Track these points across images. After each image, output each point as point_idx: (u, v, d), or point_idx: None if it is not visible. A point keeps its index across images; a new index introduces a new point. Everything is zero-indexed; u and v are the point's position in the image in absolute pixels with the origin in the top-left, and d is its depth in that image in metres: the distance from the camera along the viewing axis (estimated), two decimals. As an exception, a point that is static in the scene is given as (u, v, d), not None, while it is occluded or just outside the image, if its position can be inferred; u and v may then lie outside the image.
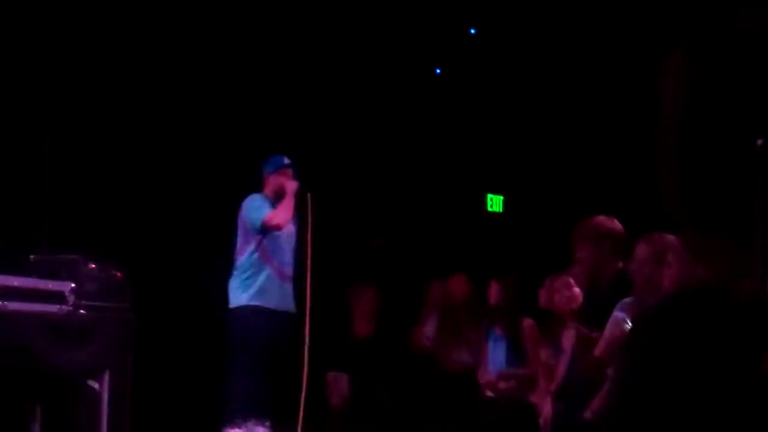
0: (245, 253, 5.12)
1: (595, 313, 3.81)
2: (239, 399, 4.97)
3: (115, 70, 6.26)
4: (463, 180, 7.85)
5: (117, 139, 6.37)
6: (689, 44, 0.77)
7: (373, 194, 7.48)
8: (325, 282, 5.57)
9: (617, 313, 3.54)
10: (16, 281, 3.69)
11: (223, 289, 5.16)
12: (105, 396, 3.77)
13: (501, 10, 7.31)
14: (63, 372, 3.75)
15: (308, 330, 4.88)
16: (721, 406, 0.64)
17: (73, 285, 3.87)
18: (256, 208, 5.10)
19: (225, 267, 5.20)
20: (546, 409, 3.95)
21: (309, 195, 5.09)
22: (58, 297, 3.78)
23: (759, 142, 0.68)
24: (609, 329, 3.59)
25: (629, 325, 3.44)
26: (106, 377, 3.83)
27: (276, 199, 5.14)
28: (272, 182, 5.21)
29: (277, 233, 5.09)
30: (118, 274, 4.98)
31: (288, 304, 5.04)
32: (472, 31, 7.66)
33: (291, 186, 5.11)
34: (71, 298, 3.80)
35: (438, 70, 7.86)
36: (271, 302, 5.04)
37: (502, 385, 5.20)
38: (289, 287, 5.12)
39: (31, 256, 4.59)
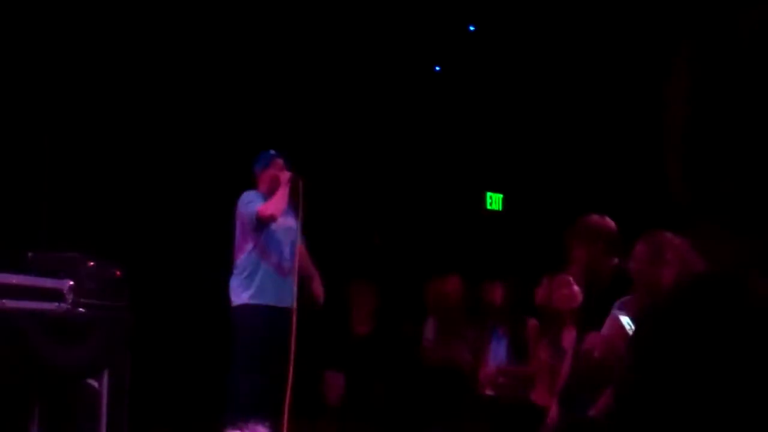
0: (244, 252, 5.13)
1: (594, 312, 3.81)
2: (240, 399, 4.97)
3: (113, 70, 6.26)
4: (462, 178, 7.85)
5: (116, 138, 6.36)
6: (694, 41, 0.77)
7: (372, 192, 7.48)
8: (325, 279, 5.56)
9: (616, 312, 3.53)
10: (14, 279, 3.68)
11: (222, 288, 5.16)
12: (104, 394, 3.77)
13: (500, 8, 7.30)
14: (61, 370, 3.74)
15: (295, 324, 4.81)
16: (734, 404, 0.62)
17: (71, 283, 3.86)
18: (248, 203, 5.10)
19: (225, 265, 5.20)
20: (552, 409, 3.94)
21: (301, 183, 5.07)
22: (56, 295, 3.78)
23: None
24: (607, 328, 3.58)
25: (627, 323, 3.43)
26: (105, 375, 3.83)
27: (271, 193, 5.13)
28: (266, 178, 5.20)
29: (273, 228, 5.08)
30: (117, 272, 4.98)
31: (288, 300, 5.02)
32: (472, 28, 7.65)
33: (283, 176, 5.09)
34: (70, 296, 3.79)
35: (437, 68, 7.85)
36: (271, 299, 5.04)
37: (500, 379, 5.20)
38: (289, 282, 5.10)
39: (30, 254, 4.58)
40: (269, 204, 5.04)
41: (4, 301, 3.52)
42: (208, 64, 6.64)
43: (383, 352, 6.27)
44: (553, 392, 4.19)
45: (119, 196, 6.37)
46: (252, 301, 5.03)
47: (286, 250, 5.14)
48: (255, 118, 6.63)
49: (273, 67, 6.85)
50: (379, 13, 7.00)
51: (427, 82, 7.68)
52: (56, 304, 3.73)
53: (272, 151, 5.27)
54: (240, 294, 5.08)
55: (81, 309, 3.95)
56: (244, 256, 5.12)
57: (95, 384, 3.92)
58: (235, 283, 5.12)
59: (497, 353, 5.45)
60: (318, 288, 5.25)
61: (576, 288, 4.44)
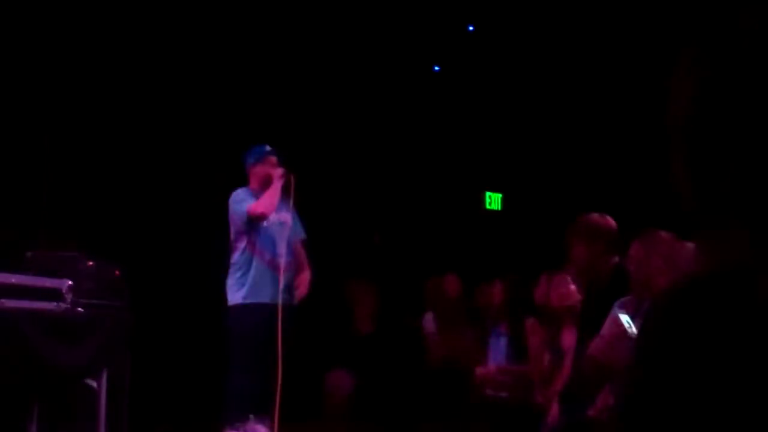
0: (237, 251, 5.11)
1: (594, 311, 3.81)
2: (238, 399, 4.96)
3: (113, 71, 6.25)
4: (461, 178, 7.85)
5: (115, 138, 6.36)
6: (699, 40, 0.77)
7: (372, 191, 7.47)
8: (325, 279, 5.55)
9: (615, 311, 3.53)
10: (13, 278, 3.67)
11: (221, 287, 5.15)
12: (103, 394, 3.76)
13: (499, 8, 7.30)
14: (60, 370, 3.74)
15: (281, 320, 4.77)
16: (741, 404, 0.62)
17: (70, 282, 3.85)
18: (238, 202, 5.06)
19: (224, 264, 5.20)
20: (553, 408, 3.94)
21: (293, 178, 5.02)
22: (55, 294, 3.77)
23: None
24: (607, 328, 3.58)
25: (627, 321, 3.43)
26: (104, 375, 3.82)
27: (263, 189, 5.08)
28: (257, 173, 5.15)
29: (266, 225, 5.05)
30: (116, 271, 4.97)
31: (282, 298, 4.96)
32: (471, 28, 7.65)
33: (276, 172, 5.04)
34: (69, 296, 3.78)
35: (436, 68, 7.85)
36: (265, 297, 5.01)
37: (500, 379, 5.20)
38: (282, 279, 5.03)
39: (28, 253, 4.58)
40: (260, 202, 4.99)
41: (2, 300, 3.51)
42: (208, 64, 6.63)
43: (387, 350, 6.29)
44: (554, 391, 4.19)
45: (118, 196, 6.36)
46: (246, 301, 5.01)
47: (281, 247, 5.08)
48: (255, 117, 6.62)
49: (273, 67, 6.85)
50: (379, 13, 7.00)
51: (426, 82, 7.68)
52: (55, 303, 3.72)
53: (266, 147, 5.20)
54: (235, 293, 5.07)
55: (80, 309, 3.94)
56: (238, 254, 5.10)
57: (94, 384, 3.91)
58: (230, 282, 5.10)
59: (496, 352, 5.46)
60: (303, 281, 5.12)
61: (573, 287, 4.44)
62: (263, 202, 4.99)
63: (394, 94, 7.39)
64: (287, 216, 5.17)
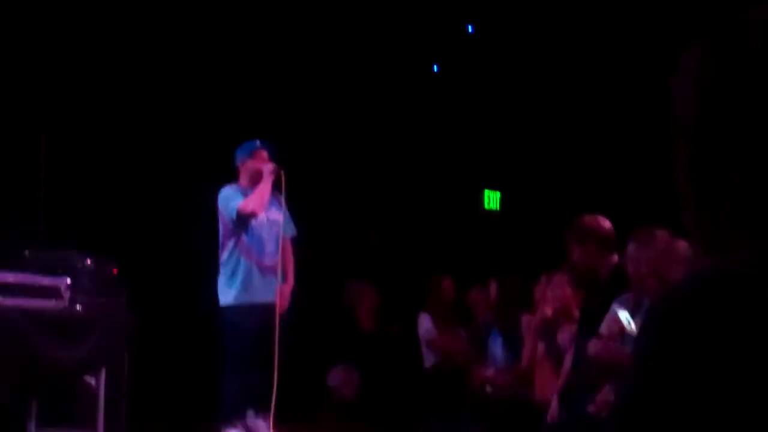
0: (226, 250, 5.02)
1: (594, 310, 3.81)
2: (231, 398, 4.95)
3: (110, 69, 6.24)
4: (460, 177, 7.85)
5: (112, 137, 6.35)
6: (701, 41, 0.77)
7: (370, 190, 7.47)
8: (322, 277, 5.55)
9: (615, 309, 3.54)
10: (11, 277, 3.67)
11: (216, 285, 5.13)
12: (101, 391, 3.76)
13: (499, 8, 7.30)
14: (59, 368, 3.73)
15: (278, 318, 4.73)
16: (743, 405, 0.61)
17: (68, 280, 3.85)
18: (227, 200, 4.96)
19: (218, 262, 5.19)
20: (552, 406, 3.95)
21: (283, 175, 4.92)
22: (53, 293, 3.77)
23: None
24: (606, 326, 3.59)
25: (626, 319, 3.43)
26: (103, 373, 3.82)
27: (252, 185, 4.97)
28: (247, 168, 5.05)
29: (254, 224, 4.97)
30: (114, 269, 4.96)
31: (271, 296, 4.91)
32: (470, 28, 7.65)
33: (266, 168, 4.92)
34: (67, 294, 3.78)
35: (436, 68, 7.85)
36: (254, 296, 4.94)
37: (499, 380, 5.21)
38: (272, 278, 4.97)
39: (27, 252, 4.58)
40: (249, 201, 4.89)
41: (1, 299, 3.51)
42: (205, 63, 6.63)
43: (388, 349, 6.31)
44: (552, 389, 4.20)
45: (116, 195, 6.36)
46: (237, 302, 4.94)
47: (270, 245, 4.99)
48: (252, 116, 6.61)
49: (272, 64, 6.84)
50: (378, 13, 7.00)
51: (425, 82, 7.68)
52: (53, 301, 3.72)
53: (257, 142, 5.11)
54: (225, 294, 5.01)
55: (78, 307, 3.94)
56: (227, 254, 5.02)
57: (93, 381, 3.91)
58: (220, 282, 5.04)
59: (494, 351, 5.47)
60: (283, 295, 4.97)
61: (569, 288, 4.45)
62: (253, 201, 4.89)
63: (393, 94, 7.39)
64: (278, 214, 5.08)
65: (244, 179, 5.07)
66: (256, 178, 4.96)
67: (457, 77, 7.66)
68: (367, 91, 7.26)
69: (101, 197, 6.25)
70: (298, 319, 5.18)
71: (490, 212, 8.20)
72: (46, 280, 3.81)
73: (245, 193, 4.98)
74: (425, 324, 6.26)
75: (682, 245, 3.22)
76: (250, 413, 4.81)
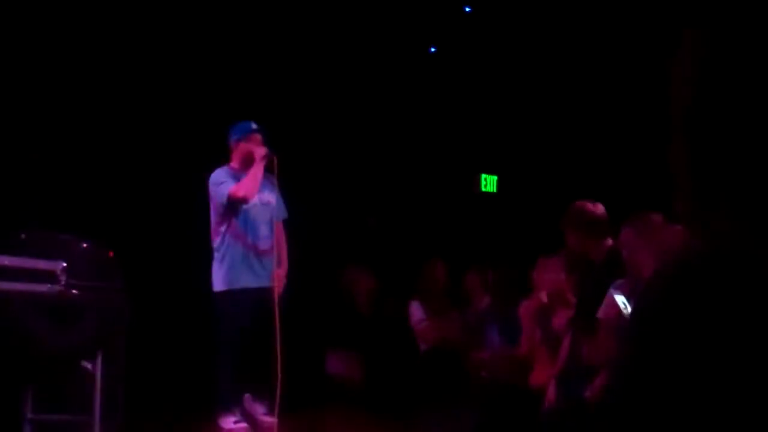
0: (219, 234, 4.99)
1: (590, 295, 3.82)
2: (228, 384, 4.94)
3: (104, 53, 6.20)
4: (457, 160, 7.83)
5: (107, 120, 6.32)
6: (700, 26, 0.76)
7: (368, 175, 7.45)
8: (320, 262, 5.54)
9: (612, 293, 3.54)
10: (6, 260, 3.66)
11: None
12: (98, 376, 3.75)
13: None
14: (55, 352, 3.73)
15: (276, 304, 4.70)
16: (734, 383, 0.61)
17: (64, 264, 3.84)
18: (218, 184, 4.90)
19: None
20: (550, 391, 3.96)
21: (276, 159, 4.87)
22: (49, 276, 3.75)
23: None
24: (603, 311, 3.59)
25: (623, 302, 3.44)
26: (99, 357, 3.81)
27: (244, 168, 4.93)
28: (240, 150, 4.99)
29: (247, 207, 4.93)
30: (110, 253, 4.95)
31: (266, 280, 4.89)
32: (467, 9, 7.60)
33: (259, 152, 4.86)
34: (63, 278, 3.77)
35: (433, 49, 7.81)
36: (248, 282, 4.92)
37: (495, 364, 5.22)
38: (267, 262, 4.93)
39: (22, 235, 4.56)
40: (241, 185, 4.84)
41: (-4, 282, 3.50)
42: (199, 46, 6.58)
43: (386, 333, 6.32)
44: (548, 375, 4.21)
45: (112, 178, 6.33)
46: (230, 287, 4.90)
47: (263, 229, 4.94)
48: (248, 100, 6.58)
49: (268, 49, 6.80)
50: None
51: (422, 64, 7.64)
52: (49, 285, 3.71)
53: (252, 125, 5.04)
54: (219, 280, 4.98)
55: (74, 290, 3.93)
56: (219, 238, 4.98)
57: (89, 366, 3.90)
58: (214, 267, 5.00)
59: (491, 337, 5.47)
60: (278, 277, 4.94)
61: (562, 273, 4.46)
62: (245, 185, 4.84)
63: (389, 76, 7.35)
64: (271, 196, 5.02)
65: (236, 161, 5.02)
66: (248, 161, 4.92)
67: (454, 59, 7.62)
68: (363, 74, 7.23)
69: (97, 180, 6.23)
70: (296, 304, 5.17)
71: (487, 196, 8.19)
72: (41, 264, 3.80)
73: (236, 176, 4.93)
74: (416, 313, 6.26)
75: (677, 230, 3.21)
76: (248, 397, 4.80)
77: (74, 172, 6.05)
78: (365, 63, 7.18)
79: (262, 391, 4.86)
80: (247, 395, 4.86)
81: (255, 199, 4.93)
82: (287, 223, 5.19)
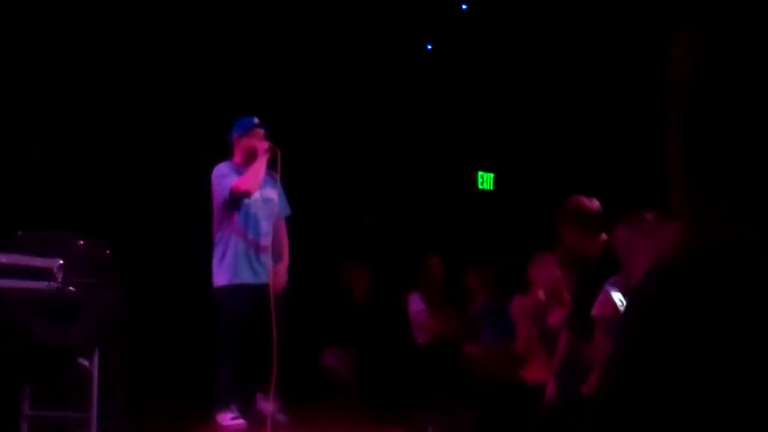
0: (219, 230, 5.00)
1: (585, 291, 3.83)
2: (227, 380, 4.94)
3: (102, 47, 6.19)
4: (453, 158, 7.83)
5: (105, 117, 6.31)
6: (697, 24, 0.76)
7: (365, 172, 7.45)
8: (318, 258, 5.54)
9: (607, 290, 3.55)
10: (3, 258, 3.65)
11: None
12: (95, 373, 3.76)
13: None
14: (52, 349, 3.73)
15: (273, 300, 4.69)
16: (728, 384, 0.61)
17: (61, 261, 3.84)
18: (221, 177, 4.91)
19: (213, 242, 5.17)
20: (548, 387, 3.97)
21: (279, 154, 4.86)
22: (46, 274, 3.75)
23: None
24: (598, 308, 3.60)
25: (619, 299, 3.44)
26: (96, 354, 3.82)
27: (247, 163, 4.93)
28: (242, 146, 4.99)
29: (249, 202, 4.92)
30: (107, 250, 4.94)
31: (266, 277, 4.87)
32: (464, 6, 7.60)
33: (261, 147, 4.86)
34: (59, 275, 3.77)
35: (429, 46, 7.81)
36: (247, 278, 4.92)
37: (489, 360, 5.23)
38: (266, 258, 4.93)
39: (19, 233, 4.55)
40: (243, 179, 4.83)
41: (-7, 280, 3.50)
42: (198, 41, 6.58)
43: (382, 329, 6.33)
44: (544, 372, 4.22)
45: (109, 175, 6.33)
46: (230, 282, 4.91)
47: (264, 225, 4.94)
48: (246, 96, 6.57)
49: (266, 46, 6.80)
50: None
51: (419, 61, 7.64)
52: (46, 282, 3.71)
53: (255, 120, 5.03)
54: (219, 275, 4.98)
55: (71, 288, 3.93)
56: (220, 233, 4.98)
57: (87, 363, 3.91)
58: (214, 262, 5.01)
59: (486, 332, 5.49)
60: (279, 274, 4.94)
61: (557, 270, 4.47)
62: (247, 180, 4.83)
63: (386, 73, 7.35)
64: (273, 192, 5.02)
65: (238, 156, 5.02)
66: (250, 156, 4.92)
67: (450, 56, 7.62)
68: (360, 71, 7.22)
69: (94, 177, 6.22)
70: (294, 300, 5.17)
71: (484, 193, 8.20)
72: (38, 261, 3.80)
73: (239, 171, 4.92)
74: (416, 305, 6.28)
75: (672, 227, 3.22)
76: (260, 396, 4.77)
77: (71, 169, 6.04)
78: (362, 60, 7.17)
79: (264, 388, 4.86)
80: (259, 394, 4.85)
81: (257, 195, 4.93)
82: (286, 219, 5.20)
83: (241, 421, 4.98)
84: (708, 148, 0.73)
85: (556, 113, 7.46)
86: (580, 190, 4.35)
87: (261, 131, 5.00)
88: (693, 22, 0.77)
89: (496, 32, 7.44)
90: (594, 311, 3.62)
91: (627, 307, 0.70)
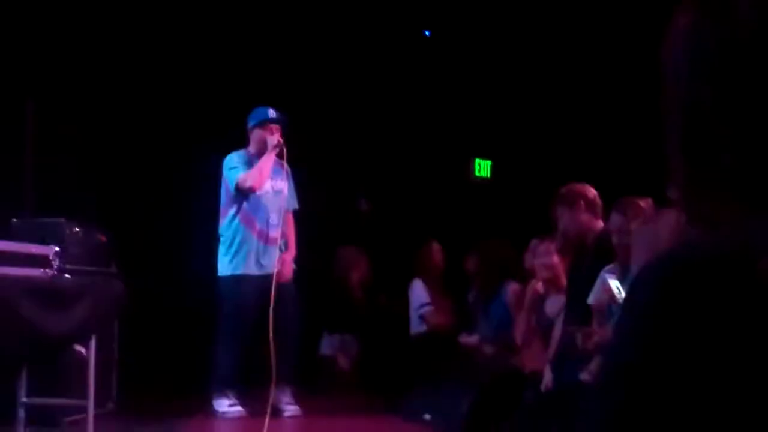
0: (226, 219, 5.02)
1: (581, 278, 3.83)
2: (226, 368, 4.96)
3: (101, 31, 6.15)
4: (450, 145, 7.82)
5: (101, 103, 6.28)
6: (692, 11, 0.75)
7: (361, 158, 7.44)
8: (314, 245, 5.54)
9: (604, 277, 3.55)
10: (-1, 245, 3.65)
11: (214, 255, 5.12)
12: (92, 360, 3.76)
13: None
14: (49, 337, 3.73)
15: (275, 287, 4.70)
16: (731, 386, 0.59)
17: (57, 249, 3.83)
18: (230, 168, 4.95)
19: (216, 233, 5.16)
20: (546, 375, 3.98)
21: (285, 149, 4.90)
22: (42, 261, 3.75)
23: None
24: (595, 296, 3.60)
25: (617, 287, 3.44)
26: (93, 342, 3.82)
27: (259, 154, 4.98)
28: (255, 136, 5.04)
29: (259, 194, 4.95)
30: (103, 237, 4.94)
31: (272, 267, 4.89)
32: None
33: (270, 141, 4.91)
34: (56, 262, 3.77)
35: (427, 33, 7.78)
36: (254, 269, 4.94)
37: (487, 349, 5.24)
38: (273, 249, 4.97)
39: (15, 220, 4.55)
40: (249, 176, 4.87)
41: (-11, 267, 3.49)
42: (199, 27, 6.54)
43: (382, 316, 6.34)
44: (541, 359, 4.23)
45: (106, 163, 6.31)
46: (235, 272, 4.94)
47: (272, 216, 4.97)
48: (244, 83, 6.55)
49: (264, 33, 6.77)
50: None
51: (416, 47, 7.61)
52: (42, 270, 3.71)
53: (270, 113, 5.06)
54: (224, 264, 5.01)
55: (67, 275, 3.93)
56: (226, 223, 5.01)
57: (83, 350, 3.91)
58: (220, 251, 5.04)
59: (484, 319, 5.49)
60: (286, 263, 4.99)
61: (555, 257, 4.48)
62: (252, 176, 4.87)
63: (383, 59, 7.32)
64: (283, 184, 5.09)
65: (252, 146, 5.07)
66: (262, 148, 4.99)
67: (448, 43, 7.59)
68: (356, 58, 7.20)
69: (90, 165, 6.20)
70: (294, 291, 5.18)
71: (481, 180, 8.19)
72: (34, 249, 3.79)
73: (250, 162, 4.96)
74: (420, 295, 6.25)
75: (666, 215, 3.21)
76: (271, 387, 4.76)
77: (70, 156, 6.02)
78: (358, 47, 7.15)
79: (285, 380, 4.88)
80: (273, 387, 4.86)
81: (267, 187, 4.99)
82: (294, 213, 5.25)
83: (238, 408, 5.00)
84: (707, 134, 0.72)
85: (554, 100, 7.44)
86: (577, 178, 4.34)
87: (274, 126, 5.00)
88: (690, 5, 0.76)
89: (493, 18, 7.41)
90: (591, 299, 3.63)
91: (625, 303, 0.69)
